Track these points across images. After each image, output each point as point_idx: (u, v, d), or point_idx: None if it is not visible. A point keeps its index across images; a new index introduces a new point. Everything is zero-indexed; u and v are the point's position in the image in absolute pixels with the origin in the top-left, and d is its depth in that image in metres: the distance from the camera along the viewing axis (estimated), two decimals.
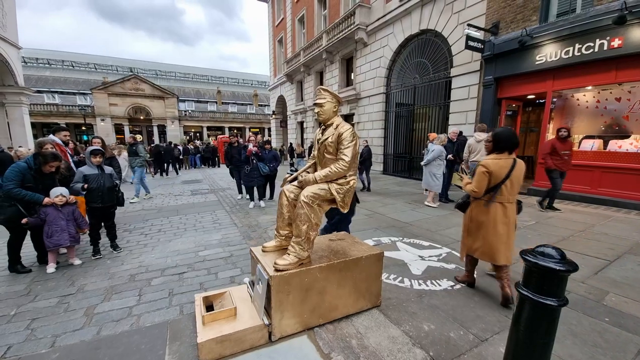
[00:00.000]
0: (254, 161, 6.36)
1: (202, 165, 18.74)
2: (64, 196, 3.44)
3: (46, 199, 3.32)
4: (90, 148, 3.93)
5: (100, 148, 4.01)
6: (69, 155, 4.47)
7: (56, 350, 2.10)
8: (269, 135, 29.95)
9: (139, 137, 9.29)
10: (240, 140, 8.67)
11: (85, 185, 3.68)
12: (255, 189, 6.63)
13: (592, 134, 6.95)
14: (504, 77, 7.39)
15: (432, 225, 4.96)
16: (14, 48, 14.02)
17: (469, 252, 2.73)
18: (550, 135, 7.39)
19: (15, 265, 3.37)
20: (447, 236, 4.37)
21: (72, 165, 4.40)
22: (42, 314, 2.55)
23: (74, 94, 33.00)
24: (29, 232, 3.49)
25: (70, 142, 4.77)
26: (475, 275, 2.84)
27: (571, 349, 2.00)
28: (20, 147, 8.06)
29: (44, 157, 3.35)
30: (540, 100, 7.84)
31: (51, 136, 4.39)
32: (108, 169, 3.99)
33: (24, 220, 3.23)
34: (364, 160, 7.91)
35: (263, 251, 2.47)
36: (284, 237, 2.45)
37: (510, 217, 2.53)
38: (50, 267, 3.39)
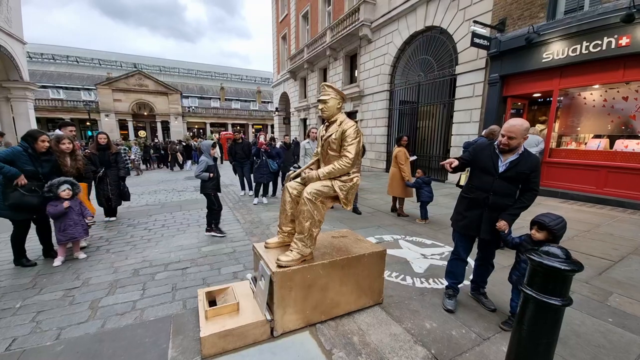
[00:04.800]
0: (264, 157, 6.37)
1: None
2: (70, 189, 3.45)
3: (20, 179, 3.19)
4: (210, 141, 4.47)
5: (216, 140, 4.40)
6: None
7: (61, 343, 2.13)
8: (272, 132, 29.96)
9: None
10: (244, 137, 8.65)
11: (212, 175, 4.23)
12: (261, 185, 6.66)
13: (599, 133, 6.88)
14: (510, 75, 7.31)
15: (435, 223, 4.94)
16: (19, 43, 14.08)
17: (389, 194, 5.54)
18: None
19: (20, 258, 3.40)
20: (450, 234, 4.34)
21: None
22: (48, 307, 2.58)
23: (78, 89, 33.10)
24: (33, 226, 3.52)
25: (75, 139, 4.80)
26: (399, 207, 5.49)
27: (574, 349, 1.99)
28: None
29: (32, 136, 3.36)
30: (547, 99, 7.77)
31: (57, 131, 4.42)
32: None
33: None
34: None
35: (266, 247, 2.47)
36: (286, 234, 2.45)
37: (396, 177, 5.29)
38: (58, 260, 3.44)
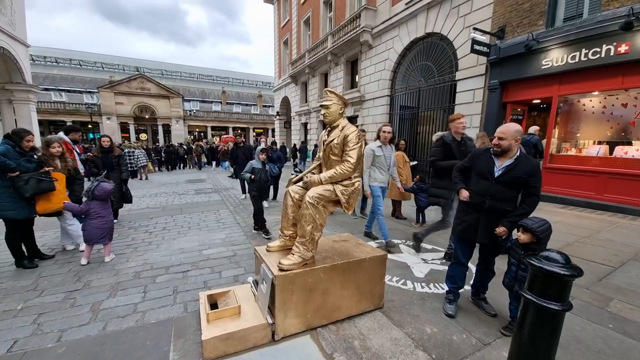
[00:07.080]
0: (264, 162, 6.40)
1: (206, 165, 18.94)
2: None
3: (14, 173, 3.24)
4: (260, 147, 4.82)
5: (265, 147, 4.80)
6: (76, 153, 4.49)
7: (62, 345, 2.13)
8: (273, 136, 30.05)
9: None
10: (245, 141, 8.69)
11: (253, 176, 4.53)
12: None
13: (598, 139, 6.91)
14: (510, 81, 7.37)
15: None
16: (22, 46, 14.18)
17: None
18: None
19: (21, 260, 3.41)
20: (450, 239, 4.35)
21: (80, 164, 4.43)
22: (49, 309, 2.58)
23: (80, 92, 33.23)
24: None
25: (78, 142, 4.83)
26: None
27: (575, 355, 2.00)
28: None
29: (17, 134, 3.39)
30: (546, 105, 7.81)
31: (61, 134, 4.44)
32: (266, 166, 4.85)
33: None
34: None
35: (267, 251, 2.49)
36: (288, 237, 2.47)
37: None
38: (113, 255, 3.73)
